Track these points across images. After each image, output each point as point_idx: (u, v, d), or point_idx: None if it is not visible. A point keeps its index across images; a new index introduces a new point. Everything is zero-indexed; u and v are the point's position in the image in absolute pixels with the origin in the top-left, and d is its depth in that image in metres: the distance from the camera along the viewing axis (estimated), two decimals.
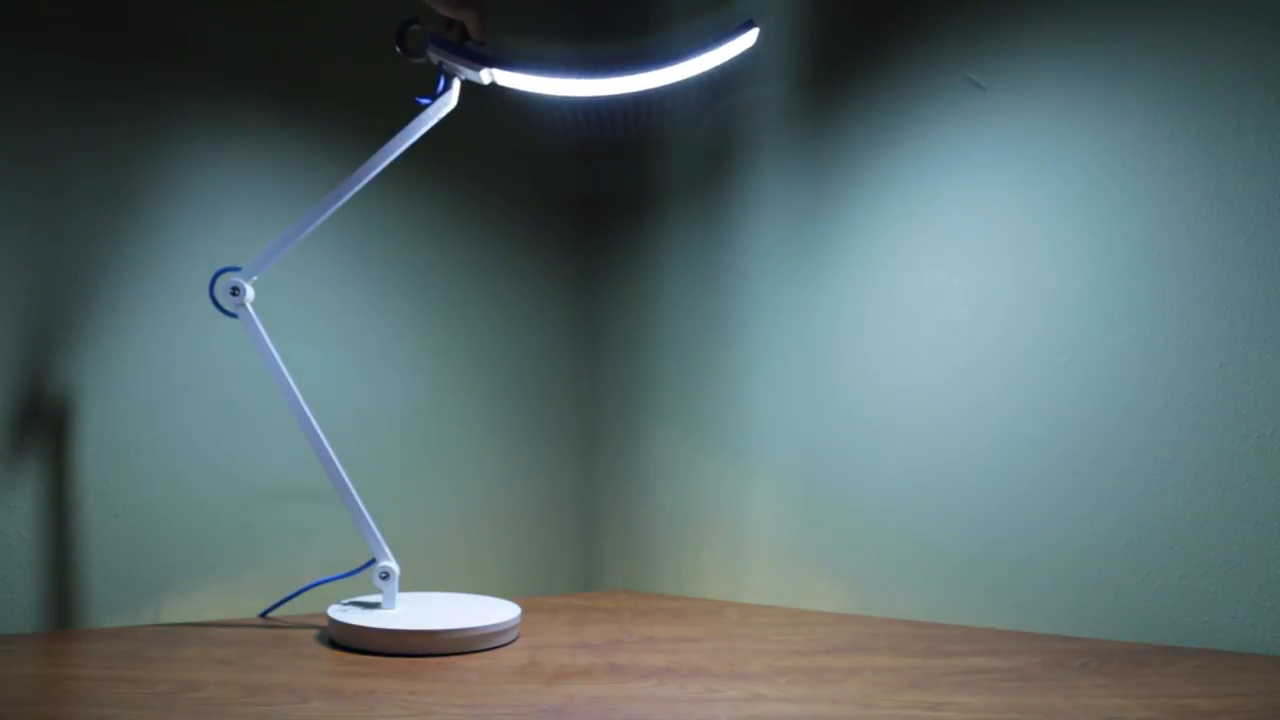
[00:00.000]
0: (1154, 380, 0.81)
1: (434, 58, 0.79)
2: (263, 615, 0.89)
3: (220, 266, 0.81)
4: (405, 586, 1.01)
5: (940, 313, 0.93)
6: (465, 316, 1.10)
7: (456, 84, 0.81)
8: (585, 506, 1.22)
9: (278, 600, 0.89)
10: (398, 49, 0.80)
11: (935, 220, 0.94)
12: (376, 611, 0.79)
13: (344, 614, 0.78)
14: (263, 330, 0.79)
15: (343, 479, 0.80)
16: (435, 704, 0.59)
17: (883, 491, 0.96)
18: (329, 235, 0.99)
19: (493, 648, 0.76)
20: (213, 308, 0.80)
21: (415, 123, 0.80)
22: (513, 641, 0.79)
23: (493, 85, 0.82)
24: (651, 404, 1.17)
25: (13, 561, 0.79)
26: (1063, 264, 0.86)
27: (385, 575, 0.80)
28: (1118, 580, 0.82)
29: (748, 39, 0.77)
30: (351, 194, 0.80)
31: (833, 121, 1.02)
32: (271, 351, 0.79)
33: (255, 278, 0.80)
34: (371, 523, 0.80)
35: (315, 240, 0.97)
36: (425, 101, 0.81)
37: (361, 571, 0.83)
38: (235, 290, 0.79)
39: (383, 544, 0.80)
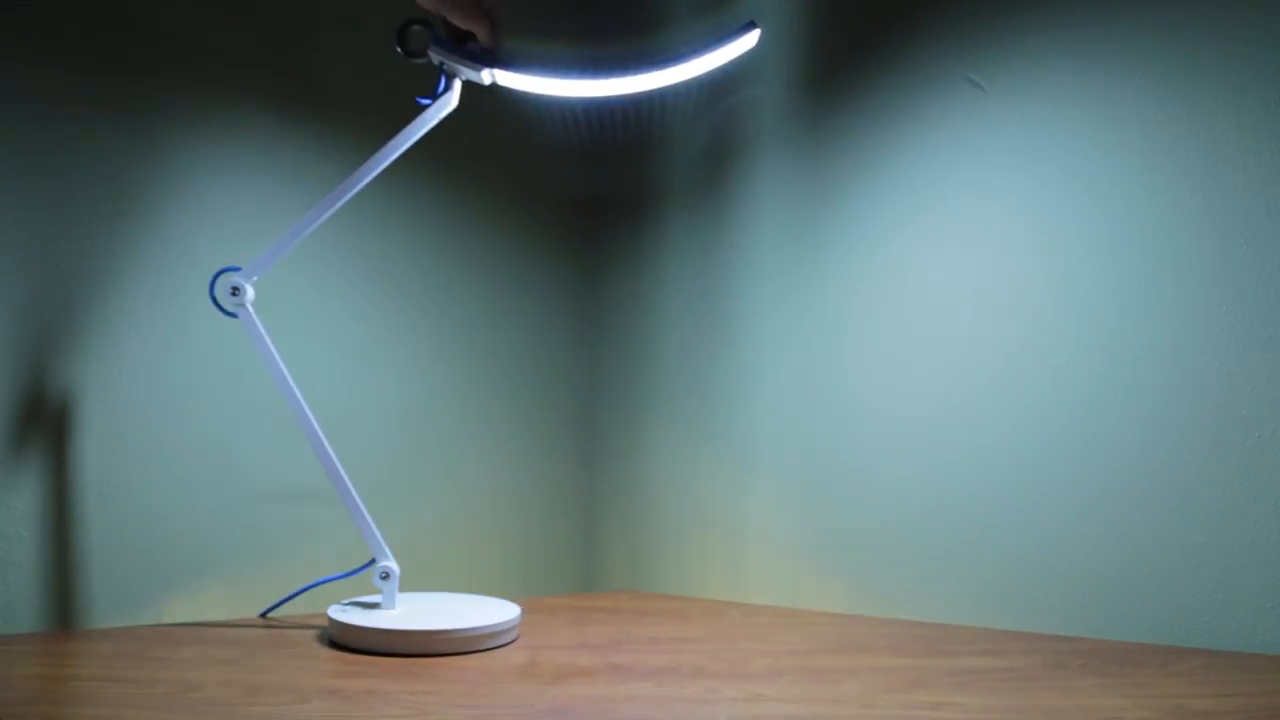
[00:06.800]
0: (1153, 380, 0.81)
1: (435, 58, 0.79)
2: (263, 615, 0.89)
3: (220, 266, 0.81)
4: (405, 586, 1.01)
5: (941, 313, 0.93)
6: (466, 316, 1.10)
7: (457, 84, 0.81)
8: (585, 506, 1.22)
9: (278, 600, 0.89)
10: (398, 49, 0.80)
11: (935, 221, 0.94)
12: (376, 611, 0.79)
13: (344, 614, 0.78)
14: (263, 330, 0.79)
15: (343, 479, 0.80)
16: (435, 704, 0.59)
17: (883, 491, 0.96)
18: (329, 235, 0.99)
19: (493, 648, 0.76)
20: (213, 308, 0.80)
21: (416, 123, 0.80)
22: (513, 641, 0.79)
23: (494, 85, 0.82)
24: (652, 404, 1.17)
25: (13, 561, 0.79)
26: (1062, 265, 0.86)
27: (385, 575, 0.80)
28: (1118, 580, 0.82)
29: (749, 40, 0.77)
30: (352, 194, 0.80)
31: (833, 122, 1.02)
32: (271, 351, 0.79)
33: (255, 278, 0.80)
34: (371, 523, 0.80)
35: (316, 240, 0.97)
36: (426, 102, 0.81)
37: (361, 571, 0.83)
38: (235, 290, 0.79)
39: (383, 544, 0.80)
